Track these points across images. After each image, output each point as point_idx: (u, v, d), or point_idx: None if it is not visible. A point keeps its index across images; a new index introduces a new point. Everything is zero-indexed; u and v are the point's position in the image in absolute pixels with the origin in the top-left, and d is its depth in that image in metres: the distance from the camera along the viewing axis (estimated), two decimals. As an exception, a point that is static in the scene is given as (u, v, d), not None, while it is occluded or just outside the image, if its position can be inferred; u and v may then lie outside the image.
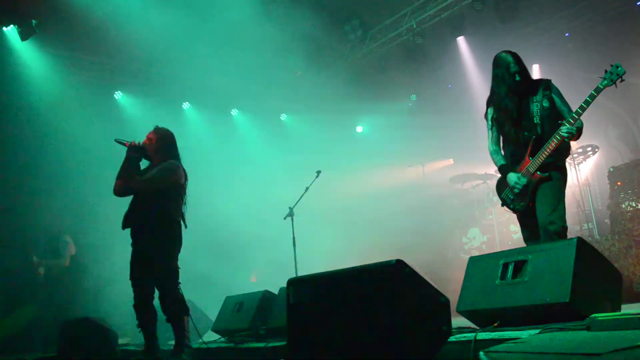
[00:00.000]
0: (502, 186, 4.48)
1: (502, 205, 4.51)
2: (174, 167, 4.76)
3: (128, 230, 4.76)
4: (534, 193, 4.20)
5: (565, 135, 3.99)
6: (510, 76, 4.24)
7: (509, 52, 4.34)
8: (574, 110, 4.06)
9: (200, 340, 5.12)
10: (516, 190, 4.27)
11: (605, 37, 9.33)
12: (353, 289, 2.94)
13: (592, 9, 9.32)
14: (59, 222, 8.60)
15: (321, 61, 10.44)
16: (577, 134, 4.07)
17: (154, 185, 4.66)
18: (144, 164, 4.93)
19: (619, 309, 3.35)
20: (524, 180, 4.22)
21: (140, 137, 4.94)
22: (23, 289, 8.03)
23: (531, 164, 4.19)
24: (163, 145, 4.87)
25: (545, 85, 4.26)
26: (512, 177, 4.30)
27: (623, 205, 6.49)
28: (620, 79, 3.89)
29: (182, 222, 4.76)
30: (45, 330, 7.36)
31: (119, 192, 4.75)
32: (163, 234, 4.62)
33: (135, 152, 4.77)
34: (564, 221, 4.04)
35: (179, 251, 4.72)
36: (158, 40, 8.35)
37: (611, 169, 6.89)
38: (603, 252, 5.32)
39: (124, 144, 4.79)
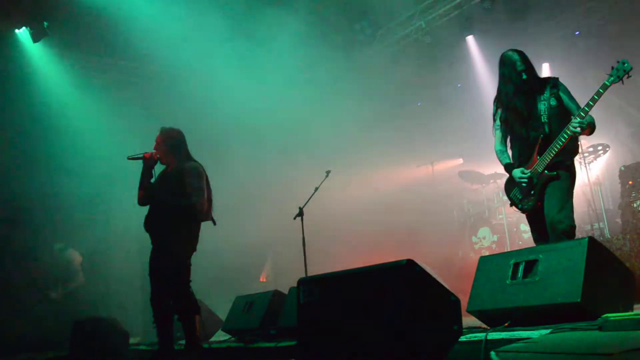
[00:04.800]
0: (510, 186, 4.46)
1: (511, 205, 4.49)
2: (197, 169, 4.81)
3: (140, 229, 4.83)
4: (542, 192, 4.18)
5: (577, 130, 3.94)
6: (517, 75, 4.22)
7: (515, 50, 4.32)
8: (582, 107, 4.03)
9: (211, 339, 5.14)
10: (523, 184, 4.25)
11: (617, 35, 9.27)
12: (364, 289, 2.95)
13: (603, 7, 9.26)
14: (61, 231, 8.66)
15: (330, 61, 10.43)
16: (588, 128, 4.02)
17: (203, 193, 4.71)
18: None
19: (631, 309, 3.33)
20: (528, 173, 4.21)
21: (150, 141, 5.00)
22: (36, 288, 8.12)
23: (539, 163, 4.16)
24: (172, 145, 4.91)
25: (552, 83, 4.24)
26: (517, 172, 4.29)
27: (634, 205, 6.45)
28: (627, 75, 3.85)
29: (197, 221, 4.81)
30: (57, 330, 7.42)
31: (143, 203, 4.90)
32: (179, 232, 4.66)
33: (152, 161, 4.84)
34: (572, 220, 4.01)
35: (192, 250, 4.75)
36: (170, 41, 8.39)
37: (622, 168, 6.84)
38: (614, 251, 5.28)
39: (139, 158, 4.84)
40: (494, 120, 4.53)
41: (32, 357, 6.92)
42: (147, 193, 4.86)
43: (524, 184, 4.25)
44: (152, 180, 4.90)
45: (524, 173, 4.23)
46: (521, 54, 4.28)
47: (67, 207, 8.85)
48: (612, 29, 9.34)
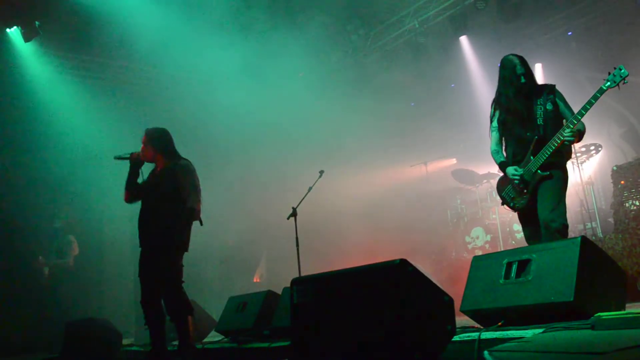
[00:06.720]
0: (502, 185, 4.55)
1: (502, 204, 4.58)
2: (189, 167, 4.81)
3: (133, 230, 4.80)
4: (534, 191, 4.26)
5: (571, 138, 4.05)
6: (517, 78, 4.32)
7: (515, 55, 4.43)
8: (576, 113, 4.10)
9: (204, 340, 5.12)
10: (516, 181, 4.31)
11: (608, 36, 9.32)
12: (357, 289, 2.95)
13: (595, 8, 9.30)
14: (62, 221, 8.63)
15: (324, 61, 10.43)
16: (578, 136, 4.13)
17: (199, 193, 4.74)
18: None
19: (623, 308, 3.34)
20: (521, 171, 4.29)
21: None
22: (27, 290, 8.07)
23: (533, 163, 4.25)
24: (158, 145, 4.89)
25: (549, 89, 4.34)
26: (510, 169, 4.38)
27: (626, 204, 6.47)
28: (622, 81, 3.95)
29: (192, 222, 4.79)
30: (49, 331, 7.38)
31: (130, 201, 4.92)
32: (171, 233, 4.63)
33: (139, 161, 4.83)
34: (565, 219, 4.10)
35: (184, 250, 4.73)
36: (162, 42, 8.36)
37: (615, 168, 6.87)
38: (607, 251, 5.31)
39: (126, 159, 4.84)
40: (491, 122, 4.60)
41: (24, 358, 6.88)
42: (134, 193, 4.88)
43: (516, 181, 4.31)
44: (140, 180, 4.90)
45: (516, 171, 4.31)
46: (521, 58, 4.39)
47: (60, 207, 8.82)
48: (604, 29, 9.40)
